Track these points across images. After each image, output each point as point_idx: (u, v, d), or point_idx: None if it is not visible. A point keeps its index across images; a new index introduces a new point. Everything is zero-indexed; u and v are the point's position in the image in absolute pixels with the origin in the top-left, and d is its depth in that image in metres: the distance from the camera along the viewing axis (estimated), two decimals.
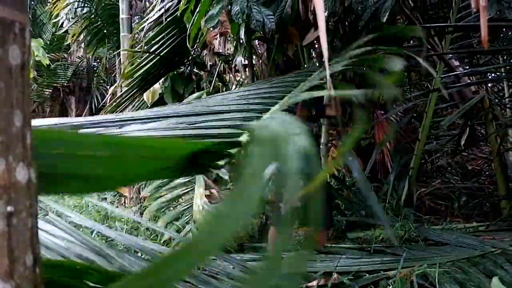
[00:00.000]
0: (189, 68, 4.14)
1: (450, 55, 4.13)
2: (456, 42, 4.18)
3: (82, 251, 1.70)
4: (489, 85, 5.23)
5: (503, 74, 4.66)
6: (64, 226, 1.84)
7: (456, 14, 3.80)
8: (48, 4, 7.58)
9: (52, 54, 8.52)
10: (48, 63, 5.44)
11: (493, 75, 4.91)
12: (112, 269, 1.63)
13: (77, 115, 9.21)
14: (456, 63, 4.33)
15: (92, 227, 1.95)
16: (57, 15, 6.25)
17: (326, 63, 0.61)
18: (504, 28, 4.01)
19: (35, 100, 9.33)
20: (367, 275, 2.31)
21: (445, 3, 4.16)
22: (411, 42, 4.76)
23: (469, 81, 4.00)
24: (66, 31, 7.08)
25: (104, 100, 7.10)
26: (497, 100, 4.47)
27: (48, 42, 8.56)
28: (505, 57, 4.49)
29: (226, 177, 3.15)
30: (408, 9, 3.73)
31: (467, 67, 4.42)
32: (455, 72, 3.75)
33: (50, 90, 9.27)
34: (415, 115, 5.02)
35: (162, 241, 3.23)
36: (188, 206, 3.27)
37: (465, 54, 4.51)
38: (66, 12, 6.28)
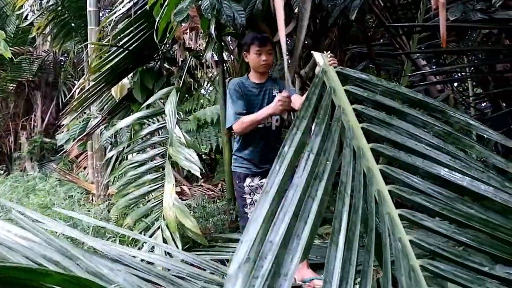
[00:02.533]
0: (159, 63, 4.06)
1: (418, 55, 4.24)
2: (424, 42, 4.29)
3: (47, 251, 1.61)
4: (455, 84, 5.40)
5: (468, 74, 4.82)
6: (27, 226, 1.75)
7: (423, 14, 3.89)
8: None
9: (16, 48, 8.20)
10: (10, 57, 5.21)
11: (458, 74, 5.06)
12: (77, 270, 1.56)
13: (43, 111, 8.92)
14: (423, 62, 4.44)
15: (56, 228, 1.88)
16: (21, 7, 6.02)
17: (285, 57, 0.60)
18: (469, 30, 4.13)
19: None
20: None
21: (414, 4, 4.26)
22: (381, 41, 4.85)
23: (435, 80, 4.12)
24: (31, 24, 6.83)
25: (71, 94, 6.90)
26: (461, 99, 4.62)
27: (12, 35, 8.24)
28: (469, 58, 4.64)
29: (197, 174, 3.10)
30: (377, 9, 3.80)
31: (434, 67, 4.54)
32: (422, 71, 3.85)
33: (15, 85, 8.93)
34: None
35: (130, 239, 3.17)
36: (157, 202, 3.21)
37: (432, 53, 4.63)
38: (30, 4, 6.05)
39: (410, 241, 1.14)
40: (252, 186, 2.39)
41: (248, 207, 2.43)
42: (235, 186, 2.54)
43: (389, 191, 1.27)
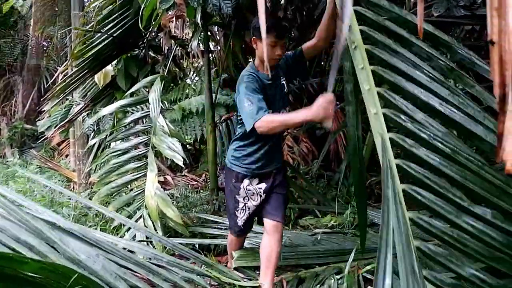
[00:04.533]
0: (144, 51, 4.01)
1: None
2: None
3: (21, 232, 1.49)
4: None
5: None
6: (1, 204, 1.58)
7: (409, 9, 3.92)
8: None
9: None
10: None
11: None
12: (54, 256, 1.50)
13: (24, 97, 8.74)
14: None
15: (31, 206, 1.80)
16: None
17: (264, 34, 0.60)
18: (453, 26, 4.17)
19: None
20: (317, 266, 2.37)
21: None
22: None
23: None
24: (12, 7, 6.65)
25: (53, 80, 6.77)
26: None
27: None
28: None
29: (180, 163, 3.08)
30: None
31: None
32: None
33: None
34: None
35: (112, 227, 3.15)
36: (140, 191, 3.20)
37: None
38: None
39: (397, 165, 1.15)
40: (249, 190, 2.18)
41: (239, 211, 2.23)
42: (228, 184, 2.29)
43: (384, 113, 1.27)
